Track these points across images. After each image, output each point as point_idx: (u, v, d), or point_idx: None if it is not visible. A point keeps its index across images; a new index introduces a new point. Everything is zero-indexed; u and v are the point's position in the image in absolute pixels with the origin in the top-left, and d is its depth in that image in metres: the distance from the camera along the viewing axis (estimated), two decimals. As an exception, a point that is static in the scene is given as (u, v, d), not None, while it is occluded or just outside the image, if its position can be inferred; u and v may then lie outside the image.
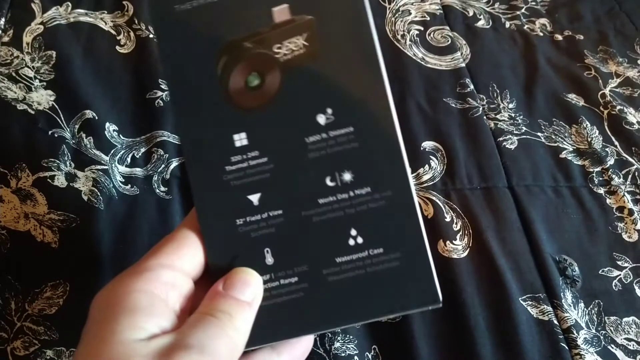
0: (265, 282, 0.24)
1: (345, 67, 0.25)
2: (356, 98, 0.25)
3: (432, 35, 0.53)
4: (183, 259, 0.23)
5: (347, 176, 0.25)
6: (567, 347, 0.35)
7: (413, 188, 0.25)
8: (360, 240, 0.25)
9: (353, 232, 0.25)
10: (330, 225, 0.25)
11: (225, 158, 0.25)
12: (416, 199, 0.25)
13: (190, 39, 0.25)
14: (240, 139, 0.25)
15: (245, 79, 0.25)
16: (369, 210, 0.25)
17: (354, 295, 0.25)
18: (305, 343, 0.26)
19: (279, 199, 0.25)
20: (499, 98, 0.49)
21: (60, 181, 0.38)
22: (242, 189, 0.25)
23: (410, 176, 0.25)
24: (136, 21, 0.48)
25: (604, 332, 0.36)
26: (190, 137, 0.25)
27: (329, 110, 0.25)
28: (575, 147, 0.46)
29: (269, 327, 0.24)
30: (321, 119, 0.25)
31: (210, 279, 0.24)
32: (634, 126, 0.48)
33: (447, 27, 0.54)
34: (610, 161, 0.46)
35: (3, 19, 0.46)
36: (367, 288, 0.25)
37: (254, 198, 0.25)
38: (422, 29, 0.53)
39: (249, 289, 0.23)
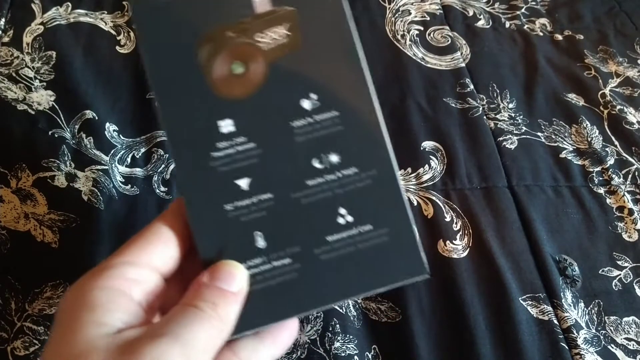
0: (257, 265, 0.25)
1: (327, 54, 0.27)
2: (338, 83, 0.27)
3: (432, 35, 0.53)
4: (151, 255, 0.23)
5: (334, 158, 0.26)
6: (567, 347, 0.35)
7: (396, 166, 0.26)
8: (349, 218, 0.26)
9: (342, 211, 0.26)
10: (319, 205, 0.26)
11: (212, 144, 0.25)
12: (399, 176, 0.26)
13: (171, 29, 0.26)
14: (226, 126, 0.26)
15: (229, 67, 0.26)
16: (356, 189, 0.26)
17: (346, 271, 0.25)
18: (290, 328, 0.26)
19: (267, 182, 0.25)
20: (499, 98, 0.49)
21: (61, 181, 0.38)
22: (229, 174, 0.25)
23: (393, 155, 0.26)
24: (136, 21, 0.48)
25: (604, 331, 0.36)
26: (175, 125, 0.25)
27: (314, 96, 0.26)
28: (575, 147, 0.46)
29: (264, 310, 0.25)
30: (306, 104, 0.26)
31: (201, 265, 0.24)
32: (634, 126, 0.48)
33: (447, 27, 0.54)
34: (610, 161, 0.46)
35: (3, 19, 0.46)
36: (358, 264, 0.26)
37: (243, 183, 0.25)
38: (422, 29, 0.53)
39: (235, 280, 0.24)
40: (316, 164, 0.26)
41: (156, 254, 0.23)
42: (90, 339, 0.20)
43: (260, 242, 0.25)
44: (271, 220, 0.25)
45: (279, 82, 0.26)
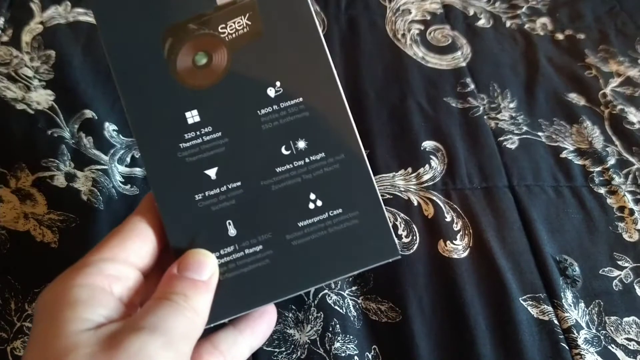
0: (229, 254, 0.25)
1: (289, 42, 0.27)
2: (302, 70, 0.27)
3: (432, 34, 0.53)
4: (128, 251, 0.23)
5: (301, 144, 0.26)
6: (567, 347, 0.35)
7: (363, 150, 0.26)
8: (319, 203, 0.26)
9: (312, 196, 0.26)
10: (289, 191, 0.26)
11: (179, 136, 0.25)
12: (367, 160, 0.26)
13: (132, 23, 0.26)
14: (193, 116, 0.26)
15: (193, 59, 0.26)
16: (324, 174, 0.26)
17: (319, 256, 0.25)
18: (268, 318, 0.26)
19: (236, 171, 0.26)
20: (499, 98, 0.49)
21: (60, 181, 0.38)
22: (198, 164, 0.25)
23: (359, 139, 0.26)
24: (136, 20, 0.48)
25: (604, 332, 0.36)
26: (141, 118, 0.25)
27: (278, 83, 0.26)
28: (575, 147, 0.46)
29: (238, 298, 0.25)
30: (271, 92, 0.26)
31: (173, 256, 0.24)
32: (635, 126, 0.48)
33: (448, 27, 0.54)
34: (611, 161, 0.46)
35: (2, 19, 0.46)
36: (330, 248, 0.26)
37: (211, 172, 0.25)
38: (422, 28, 0.53)
39: (205, 268, 0.23)
40: (284, 151, 0.26)
41: (134, 250, 0.23)
42: (74, 335, 0.20)
43: (232, 231, 0.25)
44: (241, 209, 0.25)
45: (242, 71, 0.26)
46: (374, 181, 0.26)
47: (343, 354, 0.33)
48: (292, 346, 0.33)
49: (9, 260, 0.34)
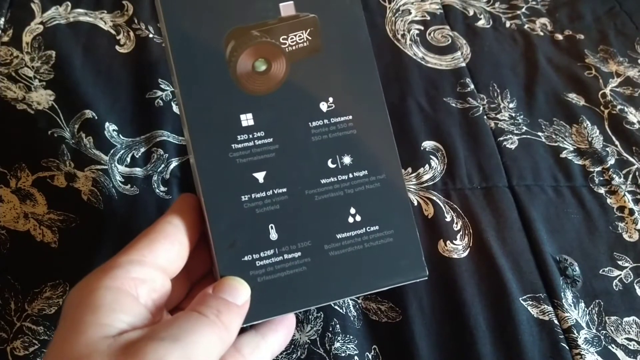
0: (269, 257, 0.25)
1: (344, 61, 0.28)
2: (354, 90, 0.28)
3: (432, 34, 0.53)
4: (156, 253, 0.23)
5: (347, 159, 0.27)
6: (567, 347, 0.35)
7: (402, 172, 0.28)
8: (358, 218, 0.27)
9: (352, 210, 0.27)
10: (331, 203, 0.27)
11: (232, 136, 0.26)
12: (405, 182, 0.28)
13: (197, 23, 0.26)
14: (247, 119, 0.26)
15: (253, 64, 0.27)
16: (366, 191, 0.27)
17: (352, 269, 0.26)
18: (287, 324, 0.26)
19: (283, 177, 0.26)
20: (499, 98, 0.49)
21: (60, 181, 0.38)
22: (247, 166, 0.26)
23: (399, 162, 0.28)
24: (136, 21, 0.48)
25: (604, 332, 0.36)
26: (197, 113, 0.26)
27: (330, 99, 0.27)
28: (575, 147, 0.46)
29: (272, 301, 0.25)
30: (323, 106, 0.27)
31: (212, 255, 0.25)
32: (635, 126, 0.48)
33: (448, 27, 0.54)
34: (611, 161, 0.46)
35: (3, 19, 0.46)
36: (364, 262, 0.27)
37: (259, 176, 0.26)
38: (422, 28, 0.53)
39: (240, 294, 0.24)
40: (330, 164, 0.27)
41: (162, 252, 0.23)
42: (92, 342, 0.19)
43: (273, 235, 0.26)
44: (284, 214, 0.26)
45: (298, 83, 0.27)
46: (410, 203, 0.27)
47: (343, 354, 0.33)
48: (292, 346, 0.33)
49: (9, 260, 0.34)
